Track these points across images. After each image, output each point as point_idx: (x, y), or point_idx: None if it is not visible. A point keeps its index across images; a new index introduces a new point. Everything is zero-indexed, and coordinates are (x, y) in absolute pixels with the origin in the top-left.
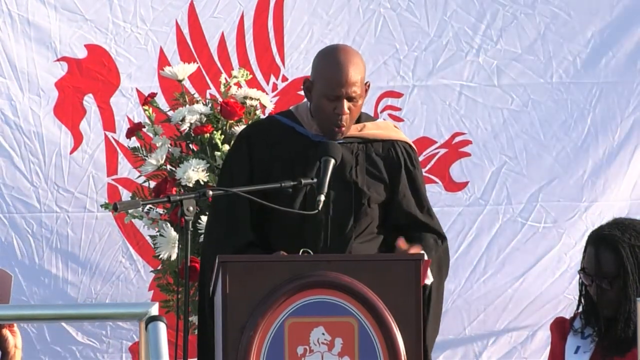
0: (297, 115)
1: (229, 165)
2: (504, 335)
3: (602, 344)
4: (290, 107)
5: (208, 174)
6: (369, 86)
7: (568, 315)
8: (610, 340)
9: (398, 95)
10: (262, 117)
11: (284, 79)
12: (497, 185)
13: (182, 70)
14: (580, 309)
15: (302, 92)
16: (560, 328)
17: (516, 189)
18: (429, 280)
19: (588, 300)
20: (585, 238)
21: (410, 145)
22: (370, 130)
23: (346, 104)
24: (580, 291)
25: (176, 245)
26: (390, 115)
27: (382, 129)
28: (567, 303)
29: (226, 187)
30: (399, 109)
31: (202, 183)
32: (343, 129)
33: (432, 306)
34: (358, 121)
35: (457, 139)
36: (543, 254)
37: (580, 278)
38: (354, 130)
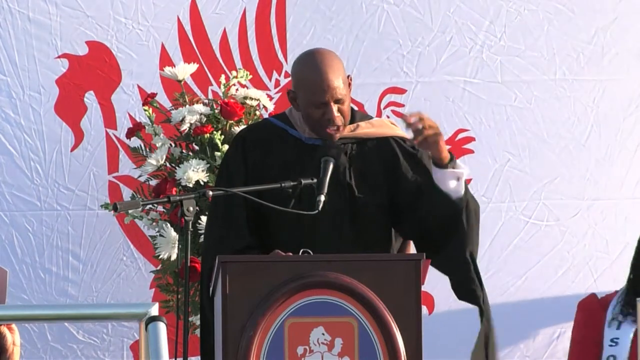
0: (291, 118)
1: (225, 167)
2: (506, 334)
3: None
4: (286, 110)
5: (208, 174)
6: (351, 79)
7: (567, 315)
8: None
9: (401, 91)
10: (264, 116)
11: (287, 75)
12: (500, 182)
13: (182, 70)
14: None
15: None
16: (597, 303)
17: (519, 187)
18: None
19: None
20: (588, 236)
21: (406, 138)
22: (364, 129)
23: (334, 106)
24: (635, 265)
25: (176, 245)
26: (393, 111)
27: (375, 126)
28: (570, 302)
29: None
30: (402, 105)
31: (202, 183)
32: (340, 128)
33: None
34: (352, 121)
35: (460, 135)
36: (546, 252)
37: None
38: (347, 131)
